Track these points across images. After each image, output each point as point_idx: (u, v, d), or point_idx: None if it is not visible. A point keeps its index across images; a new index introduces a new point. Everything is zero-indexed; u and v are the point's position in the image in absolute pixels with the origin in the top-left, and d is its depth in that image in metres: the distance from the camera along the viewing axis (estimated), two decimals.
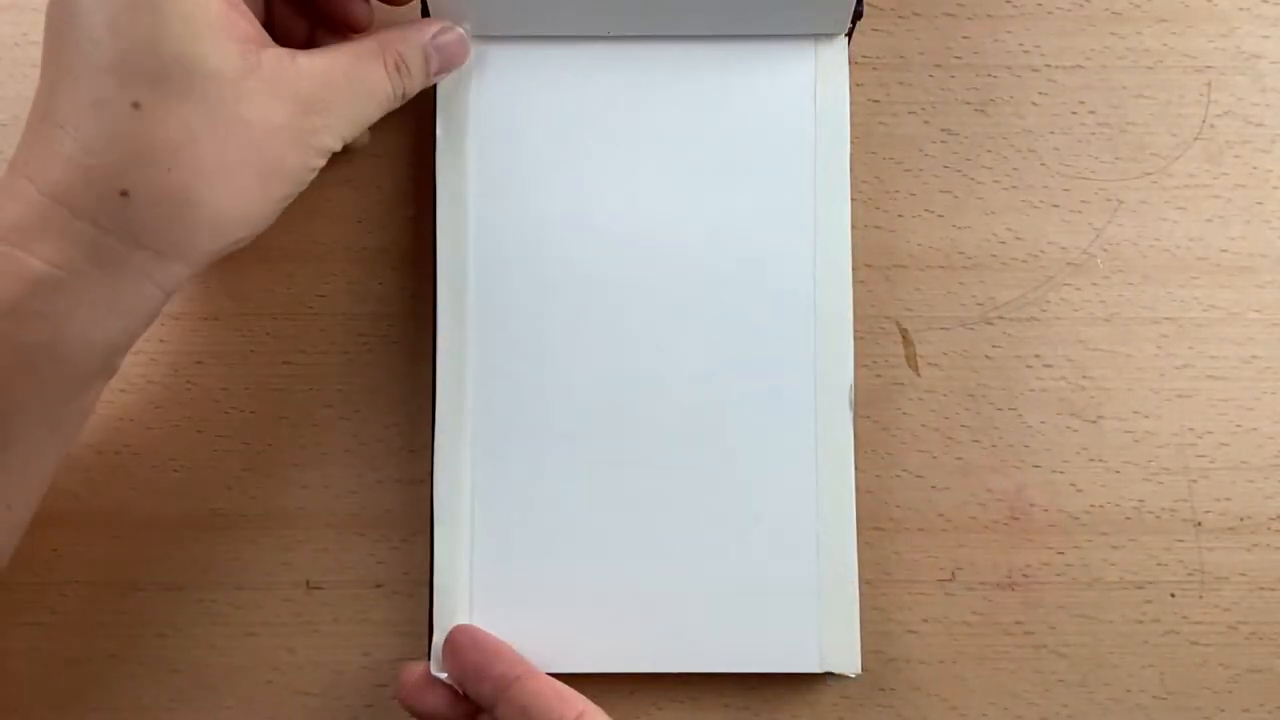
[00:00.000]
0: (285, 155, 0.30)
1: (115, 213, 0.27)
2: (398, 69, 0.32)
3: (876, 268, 0.38)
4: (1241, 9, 0.38)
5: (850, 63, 0.36)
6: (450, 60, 0.34)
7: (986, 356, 0.37)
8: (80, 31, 0.27)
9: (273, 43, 0.30)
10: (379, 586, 0.37)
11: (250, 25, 0.29)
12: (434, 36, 0.33)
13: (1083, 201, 0.38)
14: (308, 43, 0.35)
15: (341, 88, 0.31)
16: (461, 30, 0.34)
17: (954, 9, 0.38)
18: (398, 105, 0.33)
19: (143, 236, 0.28)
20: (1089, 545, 0.37)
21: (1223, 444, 0.37)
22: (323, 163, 0.31)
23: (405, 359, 0.37)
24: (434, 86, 0.35)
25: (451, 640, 0.34)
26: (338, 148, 0.31)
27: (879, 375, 0.37)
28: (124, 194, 0.27)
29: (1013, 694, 0.36)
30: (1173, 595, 0.36)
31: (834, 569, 0.35)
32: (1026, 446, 0.37)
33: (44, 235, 0.27)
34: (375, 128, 0.37)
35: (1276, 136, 0.38)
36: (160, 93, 0.27)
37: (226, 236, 0.29)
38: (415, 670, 0.34)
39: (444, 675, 0.34)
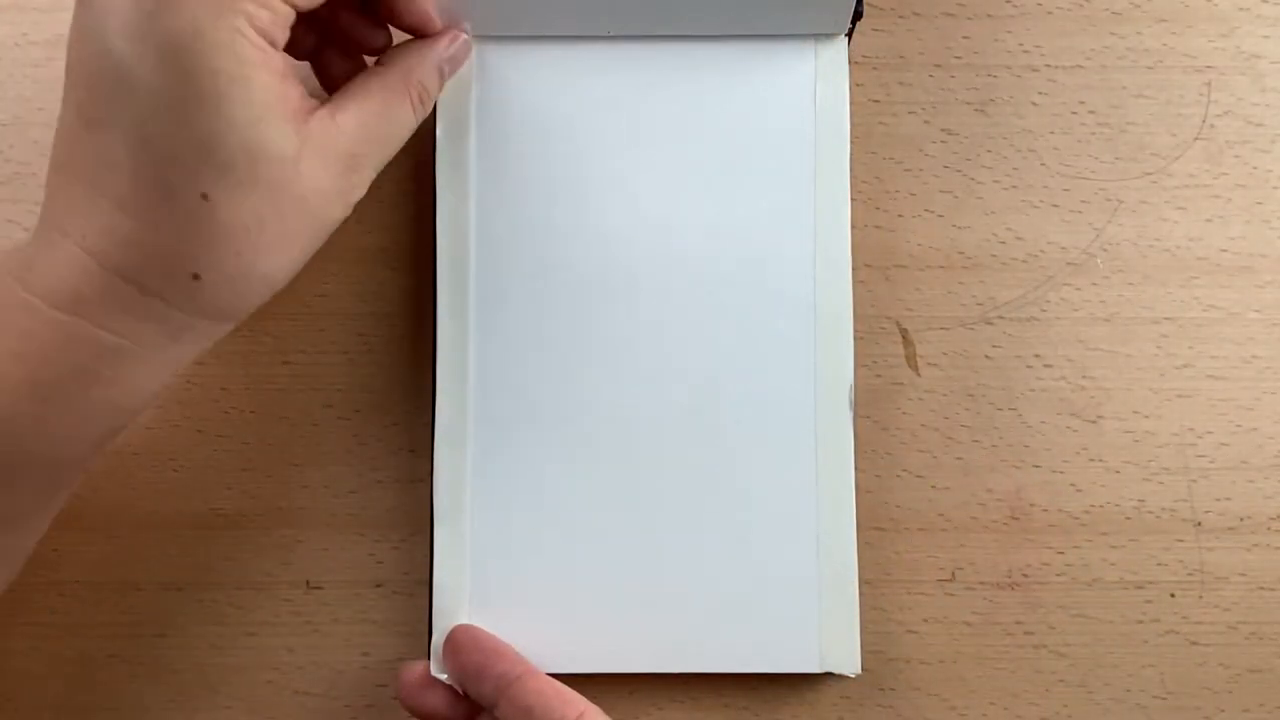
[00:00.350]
0: (333, 216, 0.30)
1: (186, 293, 0.28)
2: (421, 100, 0.32)
3: (876, 268, 0.38)
4: (1241, 9, 0.38)
5: (850, 63, 0.36)
6: (456, 67, 0.34)
7: (986, 356, 0.37)
8: (140, 112, 0.27)
9: (313, 102, 0.30)
10: (379, 586, 0.37)
11: (297, 92, 0.29)
12: (446, 49, 0.33)
13: (1083, 201, 0.38)
14: (313, 53, 0.34)
15: (377, 138, 0.31)
16: (465, 35, 0.34)
17: (954, 9, 0.38)
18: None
19: (209, 309, 0.29)
20: (1089, 545, 0.37)
21: (1223, 444, 0.37)
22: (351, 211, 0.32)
23: (405, 359, 0.37)
24: None
25: (452, 640, 0.34)
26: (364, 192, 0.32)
27: (879, 375, 0.37)
28: (196, 277, 0.28)
29: (1013, 694, 0.36)
30: (1173, 595, 0.36)
31: (834, 569, 0.35)
32: (1026, 446, 0.37)
33: (113, 310, 0.28)
34: None
35: (1276, 136, 0.38)
36: (227, 182, 0.27)
37: (271, 294, 0.30)
38: (415, 670, 0.34)
39: (444, 675, 0.34)
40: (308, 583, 0.37)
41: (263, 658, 0.36)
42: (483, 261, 0.35)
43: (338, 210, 0.31)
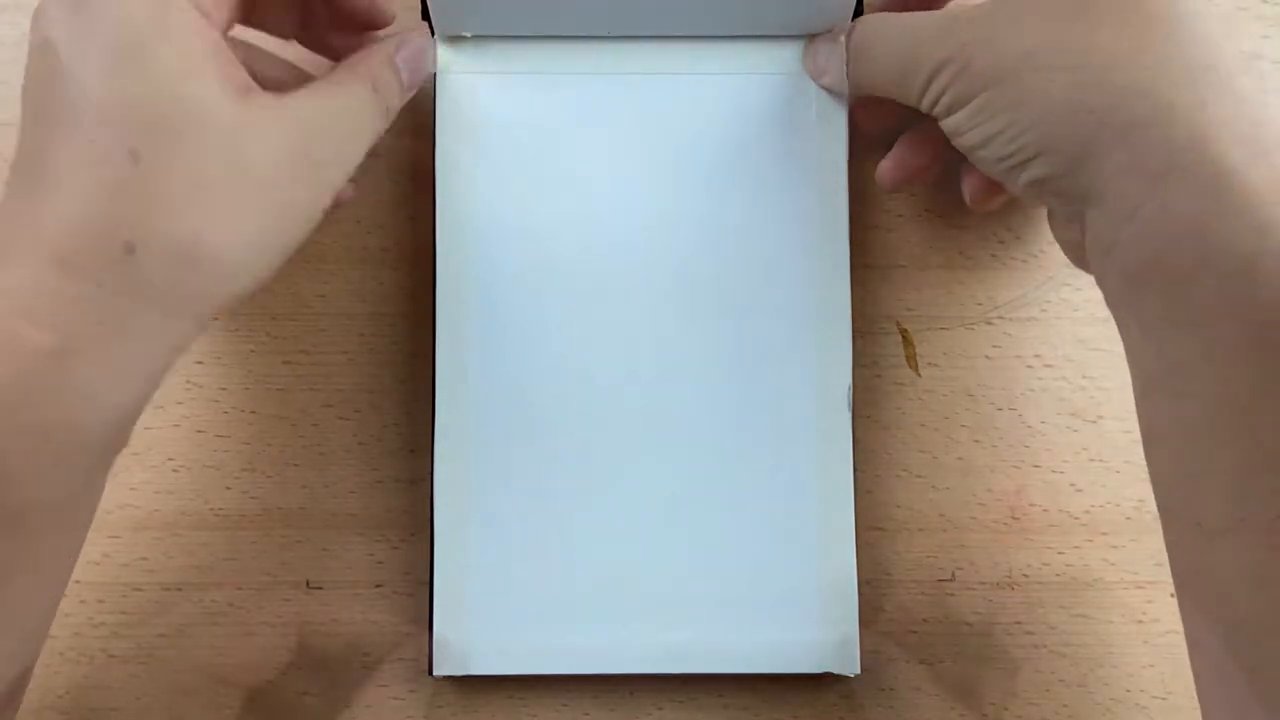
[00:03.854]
0: (295, 194, 0.28)
1: (120, 270, 0.25)
2: (377, 89, 0.31)
3: (876, 268, 0.38)
4: (1241, 9, 0.38)
5: None
6: (417, 73, 0.34)
7: (986, 356, 0.37)
8: (69, 88, 0.26)
9: (257, 87, 0.29)
10: (379, 586, 0.37)
11: (236, 69, 0.28)
12: (396, 51, 0.32)
13: None
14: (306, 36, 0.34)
15: (335, 113, 0.30)
16: (419, 41, 0.34)
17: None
18: (384, 126, 0.32)
19: (150, 293, 0.26)
20: (1089, 545, 0.37)
21: None
22: (330, 201, 0.30)
23: (405, 359, 0.37)
24: (434, 86, 0.35)
25: None
26: (343, 183, 0.30)
27: (879, 375, 0.37)
28: (129, 248, 0.25)
29: (1013, 694, 0.36)
30: (1173, 595, 0.36)
31: (834, 569, 0.35)
32: (1026, 446, 0.37)
33: (44, 304, 0.25)
34: None
35: None
36: (158, 139, 0.26)
37: (236, 285, 0.28)
38: None
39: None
40: (308, 583, 0.37)
41: (263, 657, 0.36)
42: (482, 261, 0.35)
43: (304, 190, 0.29)
